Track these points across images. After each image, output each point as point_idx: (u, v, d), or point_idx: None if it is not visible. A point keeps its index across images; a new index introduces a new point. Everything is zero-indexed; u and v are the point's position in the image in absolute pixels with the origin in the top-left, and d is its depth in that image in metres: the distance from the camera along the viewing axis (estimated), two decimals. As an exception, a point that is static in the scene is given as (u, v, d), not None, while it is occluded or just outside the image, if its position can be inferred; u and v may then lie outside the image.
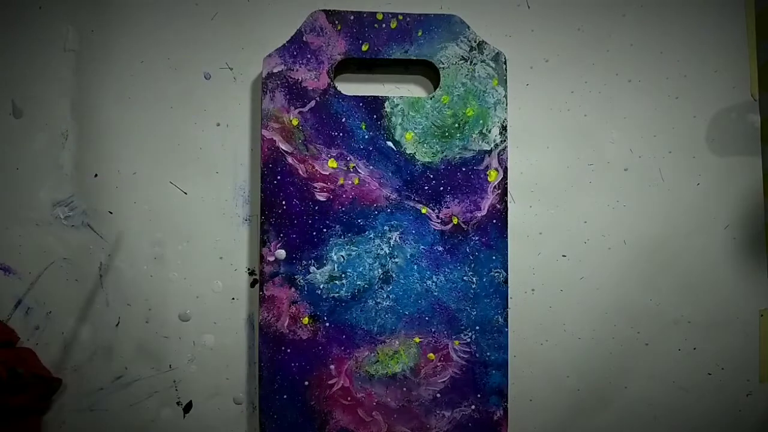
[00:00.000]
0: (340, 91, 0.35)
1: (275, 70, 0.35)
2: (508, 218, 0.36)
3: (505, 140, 0.36)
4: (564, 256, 0.38)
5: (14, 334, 0.35)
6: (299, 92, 0.35)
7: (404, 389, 0.35)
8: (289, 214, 0.35)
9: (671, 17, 0.38)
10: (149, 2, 0.37)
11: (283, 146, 0.35)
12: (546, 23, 0.38)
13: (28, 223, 0.36)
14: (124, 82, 0.36)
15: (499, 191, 0.35)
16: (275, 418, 0.34)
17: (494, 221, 0.35)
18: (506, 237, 0.35)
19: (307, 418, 0.35)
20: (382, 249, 0.35)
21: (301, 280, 0.35)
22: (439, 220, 0.35)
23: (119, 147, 0.36)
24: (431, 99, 0.36)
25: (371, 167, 0.35)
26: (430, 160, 0.35)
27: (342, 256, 0.35)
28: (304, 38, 0.35)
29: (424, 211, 0.35)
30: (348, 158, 0.35)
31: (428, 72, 0.37)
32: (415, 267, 0.35)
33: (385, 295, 0.35)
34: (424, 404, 0.35)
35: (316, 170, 0.35)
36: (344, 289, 0.35)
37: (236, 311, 0.36)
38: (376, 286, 0.35)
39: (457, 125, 0.36)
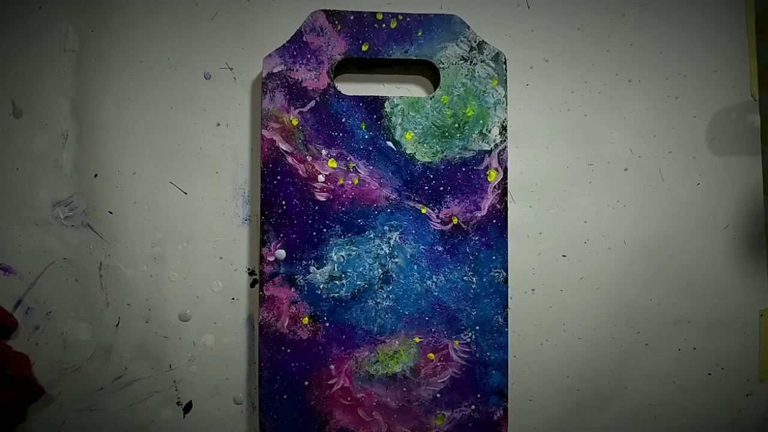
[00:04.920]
0: (340, 91, 0.35)
1: (275, 70, 0.35)
2: (508, 218, 0.36)
3: (505, 140, 0.36)
4: (564, 256, 0.38)
5: (11, 319, 0.35)
6: (299, 92, 0.35)
7: (404, 389, 0.35)
8: (289, 214, 0.35)
9: (671, 17, 0.38)
10: (149, 2, 0.37)
11: (283, 146, 0.35)
12: (546, 23, 0.38)
13: (28, 223, 0.36)
14: (124, 82, 0.36)
15: (499, 191, 0.35)
16: (275, 418, 0.34)
17: (494, 221, 0.35)
18: (506, 237, 0.35)
19: (307, 418, 0.35)
20: (382, 249, 0.35)
21: (301, 280, 0.35)
22: (439, 220, 0.35)
23: (119, 147, 0.36)
24: (431, 99, 0.36)
25: (371, 167, 0.35)
26: (430, 160, 0.35)
27: (342, 256, 0.35)
28: (304, 38, 0.35)
29: (424, 211, 0.35)
30: (348, 158, 0.35)
31: (428, 72, 0.37)
32: (415, 267, 0.35)
33: (385, 295, 0.35)
34: (424, 404, 0.35)
35: (316, 170, 0.35)
36: (344, 289, 0.35)
37: (236, 311, 0.36)
38: (376, 286, 0.35)
39: (457, 125, 0.36)
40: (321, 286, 0.35)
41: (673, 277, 0.38)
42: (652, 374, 0.38)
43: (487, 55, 0.36)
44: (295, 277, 0.35)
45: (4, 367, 0.33)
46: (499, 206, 0.35)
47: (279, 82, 0.35)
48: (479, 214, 0.35)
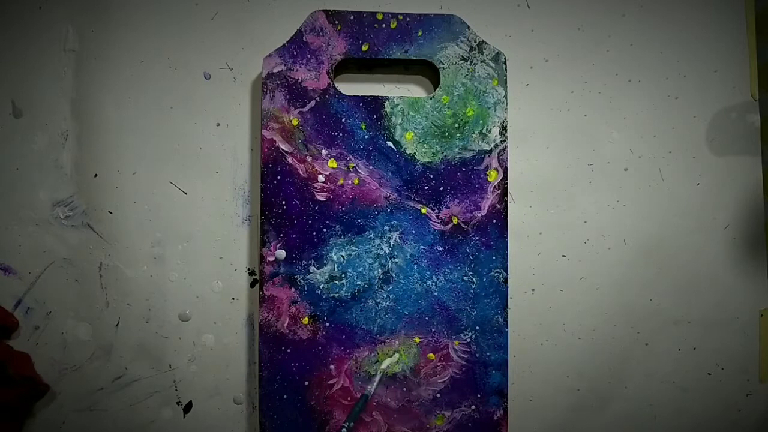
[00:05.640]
0: (340, 91, 0.35)
1: (275, 70, 0.35)
2: (508, 218, 0.36)
3: (505, 140, 0.36)
4: (564, 256, 0.38)
5: (12, 319, 0.35)
6: (299, 92, 0.35)
7: (404, 389, 0.35)
8: (289, 214, 0.35)
9: (671, 17, 0.38)
10: (149, 2, 0.37)
11: (283, 146, 0.35)
12: (546, 23, 0.38)
13: (28, 223, 0.36)
14: (124, 82, 0.36)
15: (499, 191, 0.35)
16: (275, 418, 0.34)
17: (494, 221, 0.35)
18: (506, 237, 0.35)
19: (307, 418, 0.35)
20: (382, 249, 0.35)
21: (301, 280, 0.35)
22: (439, 220, 0.35)
23: (119, 147, 0.36)
24: (431, 99, 0.36)
25: (371, 167, 0.35)
26: (430, 160, 0.35)
27: (342, 256, 0.35)
28: (304, 38, 0.35)
29: (424, 211, 0.35)
30: (348, 158, 0.35)
31: (428, 72, 0.37)
32: (415, 267, 0.35)
33: (385, 295, 0.35)
34: (424, 404, 0.35)
35: (316, 170, 0.35)
36: (344, 289, 0.35)
37: (236, 311, 0.36)
38: (376, 286, 0.35)
39: (457, 125, 0.36)
40: (321, 286, 0.35)
41: (673, 277, 0.38)
42: (652, 374, 0.38)
43: (487, 55, 0.36)
44: (295, 277, 0.35)
45: (5, 366, 0.33)
46: (499, 206, 0.35)
47: (279, 82, 0.35)
48: (479, 214, 0.35)
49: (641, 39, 0.38)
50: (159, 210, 0.36)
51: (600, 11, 0.38)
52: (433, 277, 0.35)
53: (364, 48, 0.35)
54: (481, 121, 0.36)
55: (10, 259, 0.36)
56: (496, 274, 0.35)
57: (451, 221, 0.35)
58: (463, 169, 0.35)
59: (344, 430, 0.33)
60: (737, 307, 0.38)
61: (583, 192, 0.38)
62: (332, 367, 0.35)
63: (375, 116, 0.35)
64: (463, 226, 0.35)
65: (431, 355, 0.35)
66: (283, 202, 0.35)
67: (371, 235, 0.35)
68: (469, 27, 0.36)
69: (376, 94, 0.36)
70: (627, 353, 0.38)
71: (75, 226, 0.36)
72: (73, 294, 0.36)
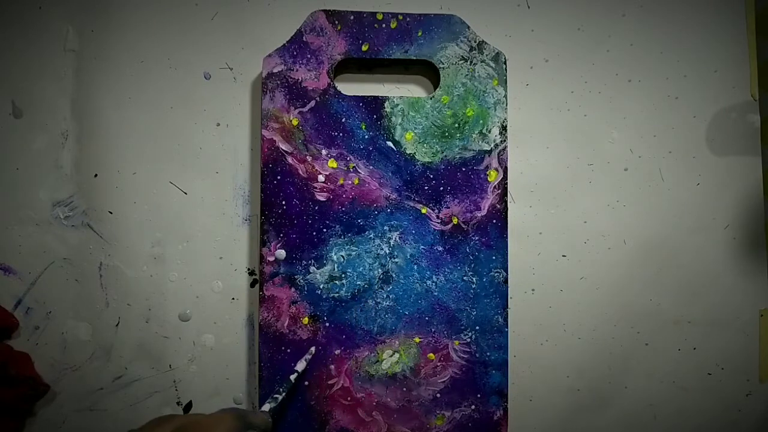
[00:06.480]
0: (340, 91, 0.35)
1: (275, 70, 0.35)
2: (508, 218, 0.36)
3: (505, 140, 0.36)
4: (564, 256, 0.38)
5: (12, 319, 0.35)
6: (299, 92, 0.35)
7: (404, 389, 0.35)
8: (289, 214, 0.35)
9: (671, 17, 0.38)
10: (149, 2, 0.37)
11: (283, 146, 0.35)
12: (546, 23, 0.38)
13: (28, 223, 0.36)
14: (124, 82, 0.36)
15: (499, 191, 0.35)
16: (275, 419, 0.34)
17: (494, 221, 0.35)
18: (506, 237, 0.35)
19: (307, 418, 0.35)
20: (382, 249, 0.35)
21: (301, 280, 0.35)
22: (439, 220, 0.35)
23: (119, 147, 0.36)
24: (431, 99, 0.36)
25: (371, 167, 0.35)
26: (430, 160, 0.35)
27: (342, 256, 0.35)
28: (304, 38, 0.35)
29: (424, 211, 0.35)
30: (348, 158, 0.35)
31: (428, 72, 0.37)
32: (415, 267, 0.35)
33: (385, 295, 0.35)
34: (424, 404, 0.35)
35: (316, 170, 0.35)
36: (344, 289, 0.35)
37: (236, 311, 0.36)
38: (376, 286, 0.35)
39: (457, 125, 0.36)
40: (321, 286, 0.35)
41: (673, 277, 0.38)
42: (652, 374, 0.38)
43: (487, 55, 0.36)
44: (295, 277, 0.35)
45: (6, 366, 0.33)
46: (499, 206, 0.35)
47: (279, 82, 0.35)
48: (479, 214, 0.35)
49: (641, 39, 0.38)
50: (159, 210, 0.36)
51: (600, 11, 0.38)
52: (433, 277, 0.35)
53: (364, 48, 0.35)
54: (481, 121, 0.36)
55: (10, 259, 0.36)
56: (496, 274, 0.35)
57: (451, 221, 0.35)
58: (463, 169, 0.35)
59: (276, 396, 0.32)
60: (737, 307, 0.38)
61: (583, 192, 0.38)
62: (332, 367, 0.35)
63: (375, 116, 0.35)
64: (463, 226, 0.35)
65: (431, 355, 0.35)
66: (283, 202, 0.35)
67: (371, 235, 0.35)
68: (469, 27, 0.36)
69: (376, 94, 0.36)
70: (627, 353, 0.38)
71: (75, 226, 0.36)
72: (73, 294, 0.36)
